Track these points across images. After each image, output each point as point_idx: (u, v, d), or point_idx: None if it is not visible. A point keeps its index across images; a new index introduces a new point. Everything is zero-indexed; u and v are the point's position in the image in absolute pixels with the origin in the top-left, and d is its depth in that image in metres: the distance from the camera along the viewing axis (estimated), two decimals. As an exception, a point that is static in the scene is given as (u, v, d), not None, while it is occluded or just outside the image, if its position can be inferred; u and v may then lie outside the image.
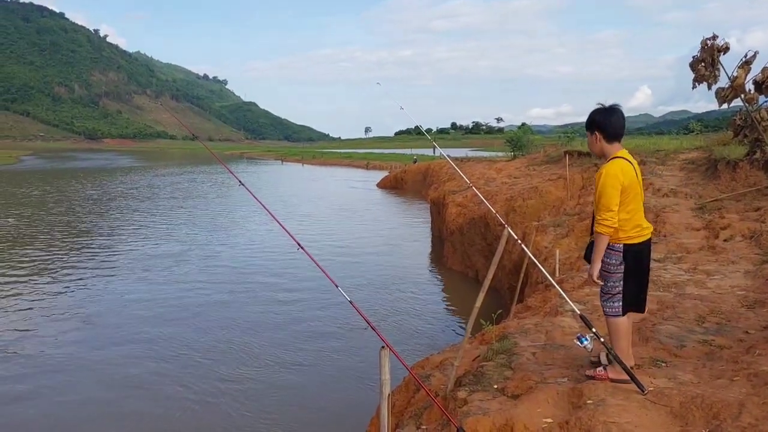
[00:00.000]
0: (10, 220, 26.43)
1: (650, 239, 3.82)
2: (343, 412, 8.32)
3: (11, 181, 51.41)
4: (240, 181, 4.85)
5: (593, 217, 3.99)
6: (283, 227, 4.15)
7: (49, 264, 17.62)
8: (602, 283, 3.81)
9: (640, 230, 3.72)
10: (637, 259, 3.73)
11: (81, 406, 8.62)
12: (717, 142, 14.12)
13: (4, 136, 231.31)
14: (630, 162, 3.75)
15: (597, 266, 3.72)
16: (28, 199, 35.33)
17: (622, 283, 3.73)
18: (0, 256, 18.71)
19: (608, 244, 3.71)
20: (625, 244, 3.68)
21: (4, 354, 10.47)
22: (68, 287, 15.04)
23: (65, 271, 16.69)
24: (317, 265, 3.67)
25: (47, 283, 15.48)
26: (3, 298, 13.97)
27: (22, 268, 17.02)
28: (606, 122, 3.72)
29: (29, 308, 13.18)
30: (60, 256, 18.72)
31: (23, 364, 10.05)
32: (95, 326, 12.06)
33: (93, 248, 20.33)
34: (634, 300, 3.79)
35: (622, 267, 3.71)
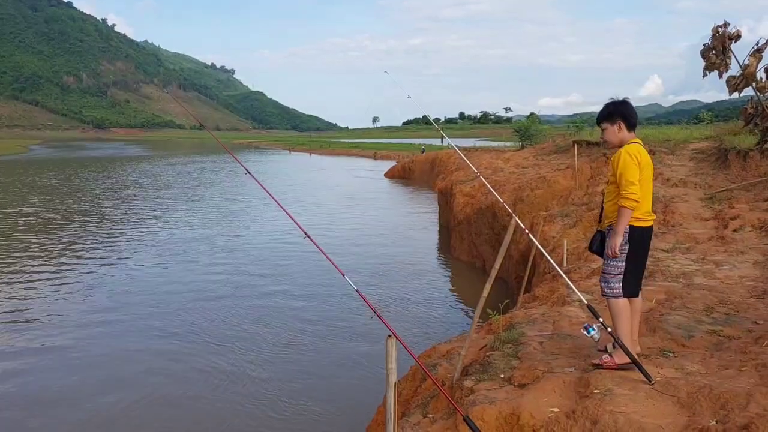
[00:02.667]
0: (27, 209, 26.61)
1: (652, 227, 3.99)
2: (349, 401, 8.35)
3: (23, 170, 51.70)
4: (246, 170, 4.87)
5: (602, 208, 4.07)
6: (289, 215, 4.15)
7: (69, 249, 17.96)
8: (610, 257, 3.87)
9: (646, 215, 3.88)
10: (641, 242, 3.89)
11: (84, 386, 8.73)
12: (727, 132, 13.99)
13: (14, 125, 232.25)
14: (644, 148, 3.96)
15: (618, 239, 3.81)
16: (41, 188, 35.53)
17: (624, 263, 3.85)
18: (24, 242, 18.99)
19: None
20: (631, 226, 3.82)
21: (24, 330, 10.66)
22: (90, 270, 15.53)
23: (85, 256, 17.04)
24: (324, 254, 3.68)
25: (68, 267, 15.87)
26: (26, 281, 14.38)
27: (44, 253, 17.26)
28: (628, 112, 3.95)
29: (55, 289, 13.60)
30: (79, 243, 18.95)
31: (43, 347, 10.19)
32: (112, 310, 12.30)
33: (110, 235, 20.63)
34: (633, 281, 3.91)
35: (627, 247, 3.84)
